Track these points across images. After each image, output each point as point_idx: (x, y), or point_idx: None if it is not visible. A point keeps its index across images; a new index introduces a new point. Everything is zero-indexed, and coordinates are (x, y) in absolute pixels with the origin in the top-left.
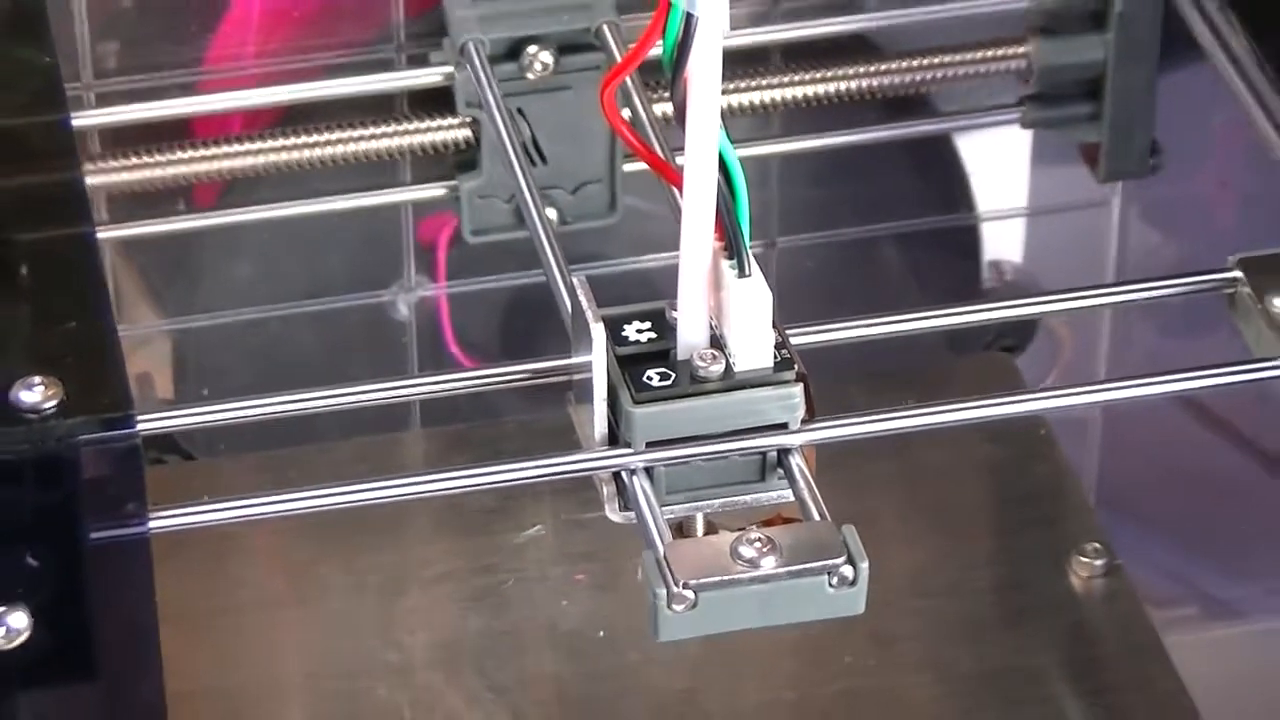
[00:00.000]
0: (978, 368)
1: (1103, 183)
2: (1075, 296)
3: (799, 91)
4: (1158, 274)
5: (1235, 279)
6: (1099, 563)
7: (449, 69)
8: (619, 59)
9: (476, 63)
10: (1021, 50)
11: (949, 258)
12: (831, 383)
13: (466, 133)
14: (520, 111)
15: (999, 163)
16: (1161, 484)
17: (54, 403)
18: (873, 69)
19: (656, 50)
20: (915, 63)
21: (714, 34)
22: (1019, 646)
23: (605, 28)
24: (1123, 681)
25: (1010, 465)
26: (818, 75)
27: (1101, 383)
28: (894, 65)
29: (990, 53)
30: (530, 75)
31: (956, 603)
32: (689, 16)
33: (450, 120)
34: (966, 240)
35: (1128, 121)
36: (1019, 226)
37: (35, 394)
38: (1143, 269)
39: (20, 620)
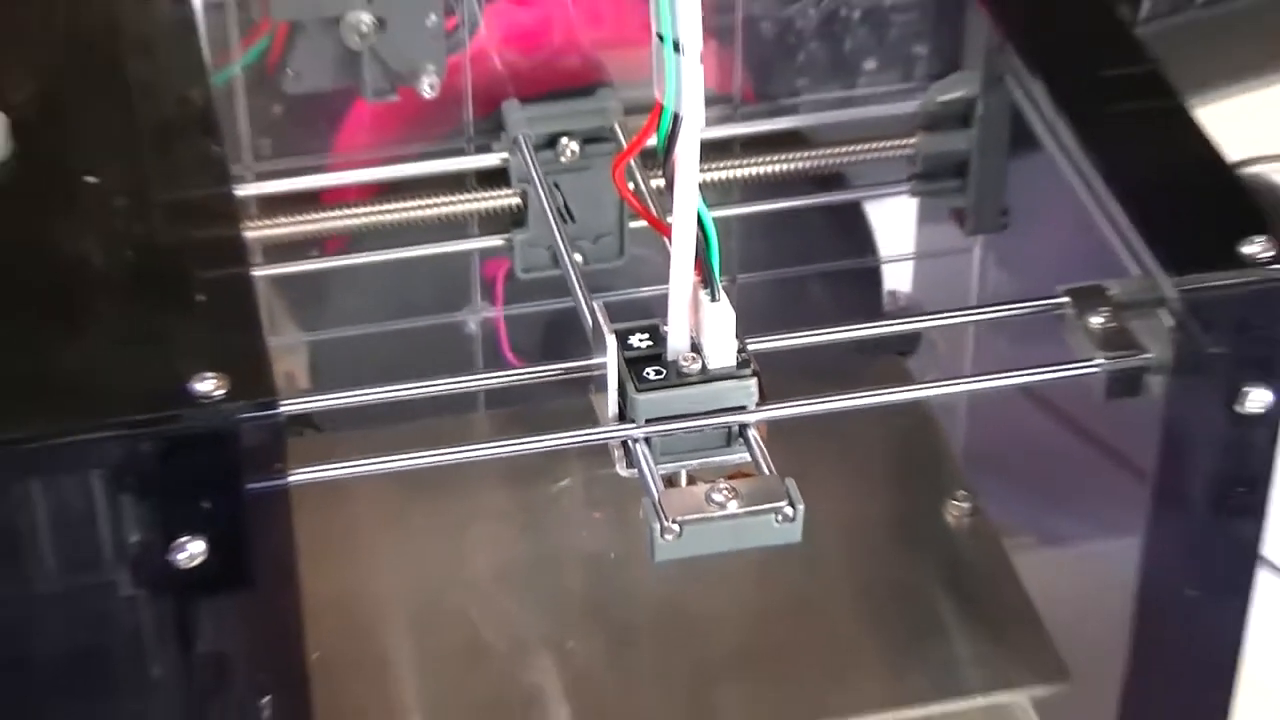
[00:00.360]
0: (878, 367)
1: (968, 236)
2: (949, 315)
3: (752, 171)
4: (1006, 300)
5: (1063, 303)
6: (966, 505)
7: (505, 154)
8: (625, 147)
9: (525, 150)
10: (911, 141)
11: (859, 288)
12: (773, 377)
13: (518, 200)
14: (556, 184)
15: (894, 221)
16: (1010, 449)
17: (221, 392)
18: (805, 154)
19: (653, 141)
20: (835, 150)
21: (693, 130)
22: (909, 565)
23: (616, 125)
24: (983, 590)
25: (901, 436)
26: (766, 159)
27: (967, 377)
28: (820, 152)
29: (889, 143)
30: (563, 159)
31: (862, 534)
32: (676, 116)
33: (506, 191)
34: (871, 276)
35: (985, 192)
36: (909, 266)
37: (208, 385)
38: (996, 297)
39: (199, 547)
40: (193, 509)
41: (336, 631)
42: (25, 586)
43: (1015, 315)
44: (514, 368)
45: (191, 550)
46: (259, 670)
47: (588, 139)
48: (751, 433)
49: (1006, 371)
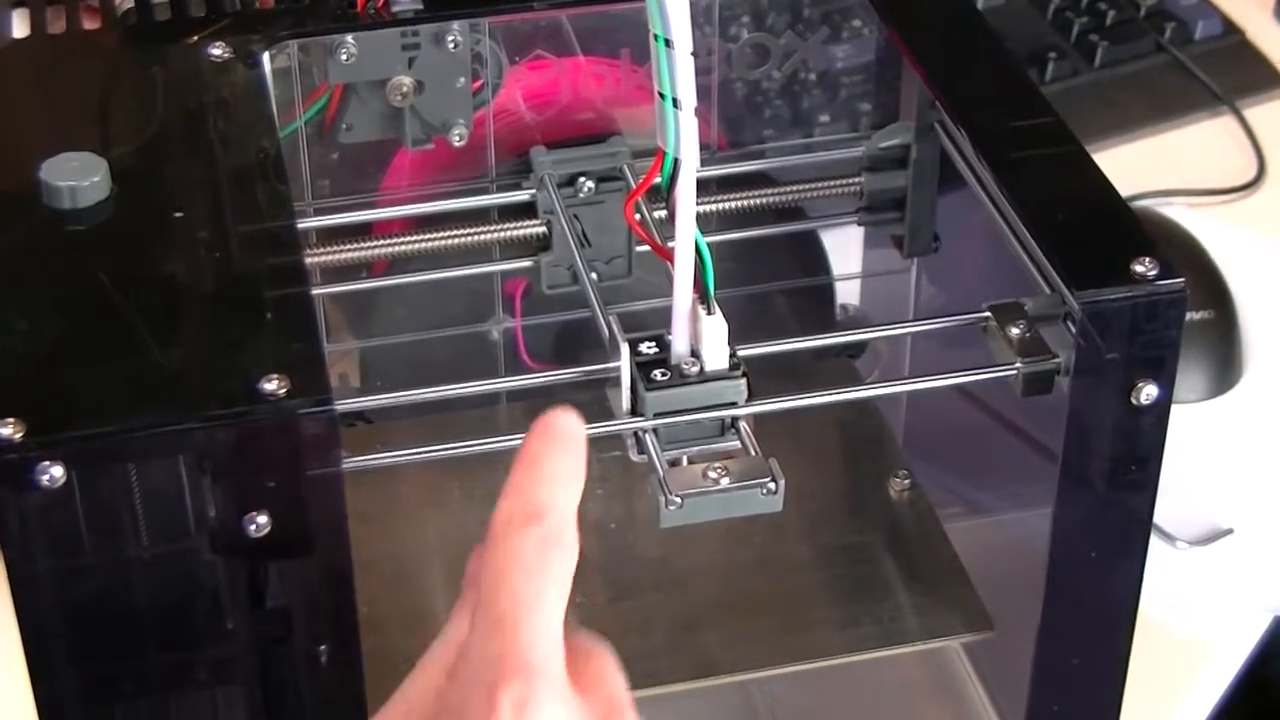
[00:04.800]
0: (832, 368)
1: (905, 258)
2: (890, 326)
3: (726, 205)
4: (938, 313)
5: (986, 316)
6: (906, 482)
7: (533, 191)
8: (634, 185)
9: (550, 188)
10: (858, 180)
11: (815, 302)
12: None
13: (544, 228)
14: (576, 216)
15: (845, 247)
16: (943, 435)
17: (284, 391)
18: (769, 191)
19: (657, 180)
20: (794, 187)
21: (691, 171)
22: (857, 532)
23: (625, 167)
24: (920, 553)
25: (851, 425)
26: (737, 195)
27: (909, 378)
28: (782, 189)
29: (839, 182)
30: (581, 195)
31: (818, 505)
32: (676, 161)
33: (534, 221)
34: (825, 293)
35: (919, 222)
36: (856, 285)
37: (273, 385)
38: (929, 311)
39: (264, 519)
40: (260, 489)
41: (383, 590)
42: (123, 552)
43: (946, 326)
44: (529, 370)
45: (259, 522)
46: (316, 623)
47: (602, 178)
48: (742, 424)
49: (941, 373)
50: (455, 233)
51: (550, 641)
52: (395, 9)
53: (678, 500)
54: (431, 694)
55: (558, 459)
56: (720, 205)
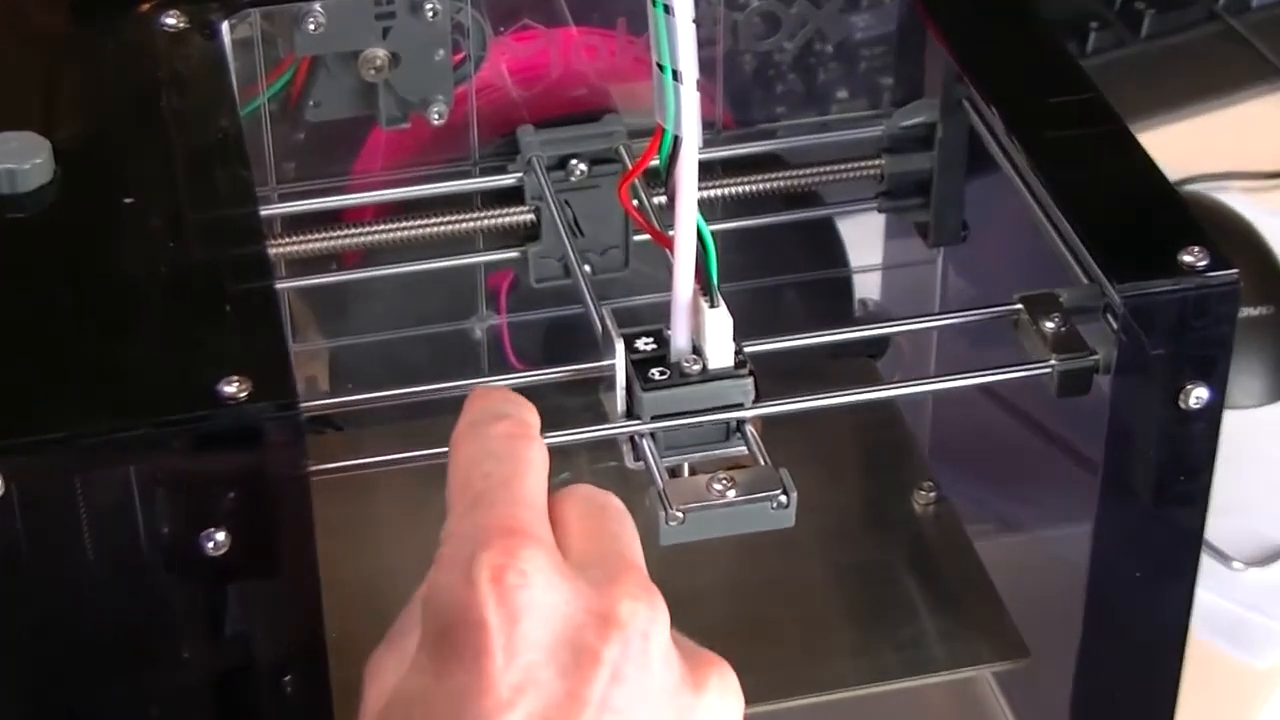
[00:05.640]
0: (850, 368)
1: (930, 248)
2: (914, 321)
3: (733, 190)
4: (966, 307)
5: (1018, 310)
6: (931, 495)
7: (520, 175)
8: (630, 167)
9: (538, 171)
10: (877, 163)
11: (832, 296)
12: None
13: (532, 216)
14: (566, 202)
15: (864, 235)
16: (972, 443)
17: (245, 394)
18: (780, 175)
19: (655, 161)
20: (809, 170)
21: (692, 150)
22: (879, 550)
23: (621, 147)
24: (947, 573)
25: (872, 432)
26: (745, 179)
27: (931, 378)
28: (794, 172)
29: (857, 164)
30: (573, 179)
31: (835, 520)
32: (676, 139)
33: (522, 208)
34: (843, 285)
35: (945, 208)
36: (877, 277)
37: (233, 387)
38: (957, 303)
39: (223, 536)
40: (219, 502)
41: (355, 614)
42: (68, 573)
43: (974, 320)
44: (516, 371)
45: (218, 539)
46: (281, 649)
47: (595, 160)
48: (748, 428)
49: (968, 372)
50: (434, 220)
51: (533, 512)
52: None
53: (679, 514)
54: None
55: (510, 393)
56: (725, 190)
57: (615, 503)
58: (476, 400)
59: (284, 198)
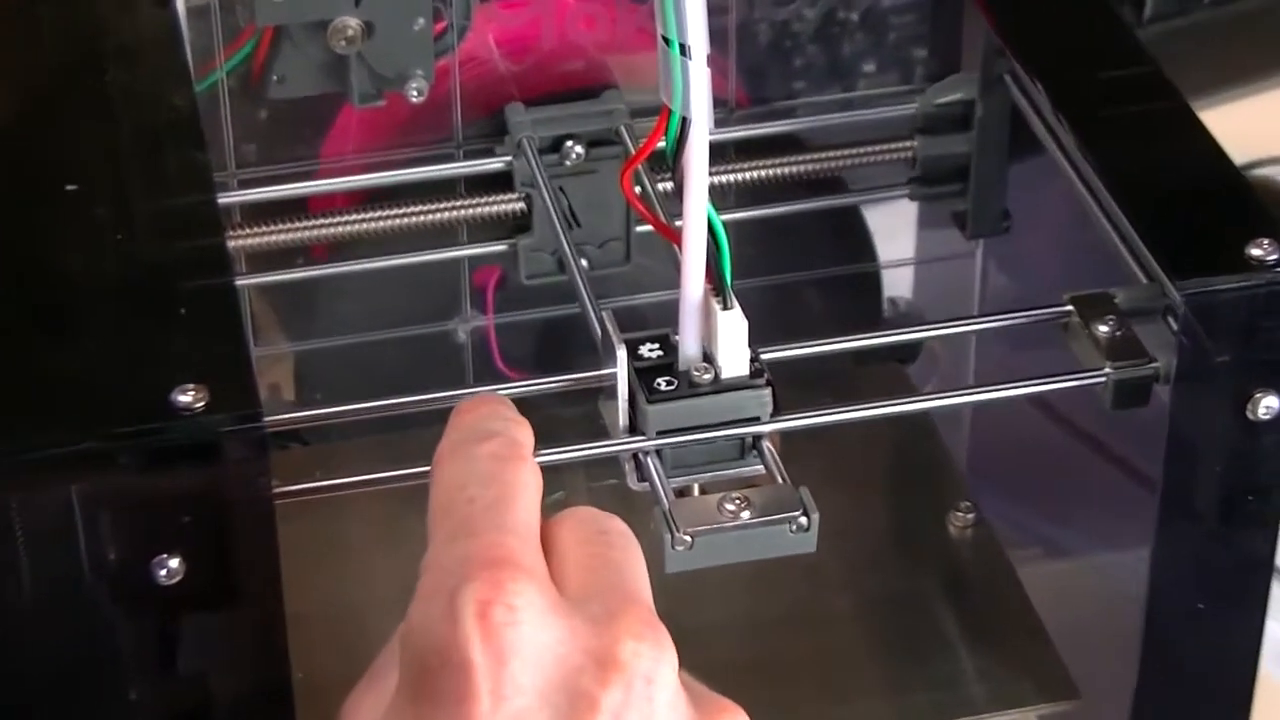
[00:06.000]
0: (878, 376)
1: (968, 240)
2: (950, 324)
3: (747, 175)
4: (1009, 308)
5: (1067, 311)
6: (969, 517)
7: (509, 158)
8: (633, 151)
9: (529, 154)
10: (909, 144)
11: (857, 295)
12: None
13: (522, 205)
14: (561, 189)
15: (893, 226)
16: (1014, 460)
17: (201, 404)
18: (801, 158)
19: (660, 144)
20: (831, 154)
21: (702, 133)
22: (910, 578)
23: (623, 128)
24: (987, 603)
25: (903, 447)
26: (761, 163)
27: (970, 388)
28: (816, 156)
29: (887, 146)
30: (568, 163)
31: (866, 545)
32: (684, 121)
33: (510, 195)
34: (871, 283)
35: (986, 195)
36: (908, 273)
37: (188, 397)
38: (998, 304)
39: (177, 563)
40: (172, 525)
41: (324, 650)
42: (5, 604)
43: (1018, 323)
44: (504, 379)
45: (170, 567)
46: (241, 691)
47: (593, 142)
48: (765, 444)
49: (1011, 382)
50: (412, 210)
51: (523, 540)
52: None
53: (687, 539)
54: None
55: (502, 406)
56: (739, 175)
57: (618, 526)
58: (462, 414)
59: (244, 184)
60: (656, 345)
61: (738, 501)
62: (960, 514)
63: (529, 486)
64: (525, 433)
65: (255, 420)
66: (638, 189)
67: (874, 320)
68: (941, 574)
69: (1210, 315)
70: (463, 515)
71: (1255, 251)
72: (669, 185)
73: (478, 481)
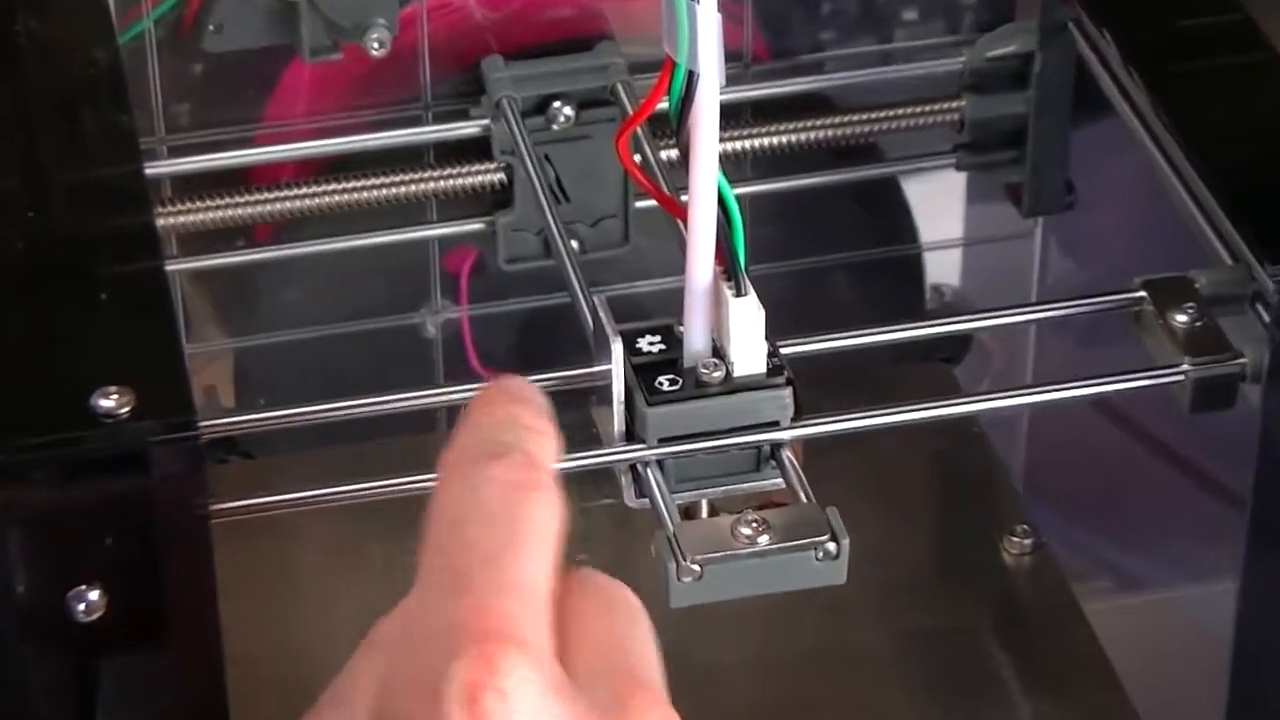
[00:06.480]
0: (922, 376)
1: (1026, 217)
2: (1004, 314)
3: (767, 141)
4: (1073, 295)
5: (1140, 298)
6: (1027, 542)
7: (486, 122)
8: (631, 112)
9: (510, 116)
10: (956, 105)
11: (895, 281)
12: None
13: (501, 176)
14: (547, 157)
15: (937, 201)
16: (1080, 475)
17: (126, 409)
18: (830, 121)
19: (662, 104)
20: (866, 116)
21: (712, 87)
22: (959, 611)
23: (619, 86)
24: (1049, 642)
25: (950, 459)
26: (783, 127)
27: (1027, 388)
28: (848, 118)
29: (930, 107)
30: (555, 126)
31: (906, 574)
32: (690, 74)
33: (487, 165)
34: (911, 267)
35: (1046, 165)
36: (955, 255)
37: (111, 402)
38: (1060, 291)
39: (97, 595)
40: (93, 551)
41: (269, 696)
42: None
43: (1083, 312)
44: (480, 379)
45: (90, 600)
46: None
47: (585, 103)
48: (786, 454)
49: (1074, 381)
50: (373, 183)
51: (525, 605)
52: None
53: (695, 568)
54: (372, 688)
55: (523, 407)
56: (756, 141)
57: (626, 597)
58: (476, 411)
59: (175, 152)
60: (658, 338)
61: (754, 524)
62: (1016, 539)
63: (542, 528)
64: (545, 446)
65: (189, 427)
66: (637, 157)
67: (914, 311)
68: (994, 608)
69: None
70: (457, 565)
71: None
72: (673, 153)
73: (480, 518)
